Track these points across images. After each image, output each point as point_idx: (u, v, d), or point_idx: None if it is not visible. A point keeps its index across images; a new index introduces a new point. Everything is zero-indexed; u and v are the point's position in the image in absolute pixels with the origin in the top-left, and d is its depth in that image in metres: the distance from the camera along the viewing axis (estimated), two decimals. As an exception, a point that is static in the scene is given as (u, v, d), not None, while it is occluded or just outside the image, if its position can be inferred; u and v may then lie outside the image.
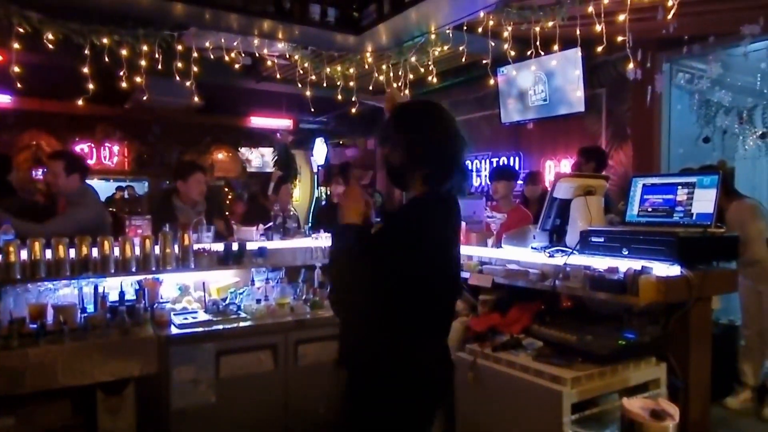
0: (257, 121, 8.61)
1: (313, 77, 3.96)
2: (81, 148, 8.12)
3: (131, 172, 8.53)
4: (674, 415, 1.88)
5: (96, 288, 3.00)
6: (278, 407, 3.12)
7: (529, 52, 3.60)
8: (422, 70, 3.91)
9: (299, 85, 3.92)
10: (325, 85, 4.16)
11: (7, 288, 2.83)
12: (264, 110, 8.30)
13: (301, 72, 3.94)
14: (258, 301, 3.32)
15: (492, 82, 4.50)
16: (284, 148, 7.01)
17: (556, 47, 3.70)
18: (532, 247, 2.86)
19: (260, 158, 9.47)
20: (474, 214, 3.49)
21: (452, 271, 1.74)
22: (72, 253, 2.90)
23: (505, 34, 3.53)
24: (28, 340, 2.62)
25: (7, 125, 7.60)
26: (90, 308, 2.97)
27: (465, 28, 3.69)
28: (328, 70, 3.99)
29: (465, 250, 3.23)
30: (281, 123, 8.46)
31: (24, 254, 2.79)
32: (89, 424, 2.73)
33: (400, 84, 3.92)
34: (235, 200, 8.18)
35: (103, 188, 7.34)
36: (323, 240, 3.67)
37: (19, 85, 3.29)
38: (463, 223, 3.32)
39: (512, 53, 3.71)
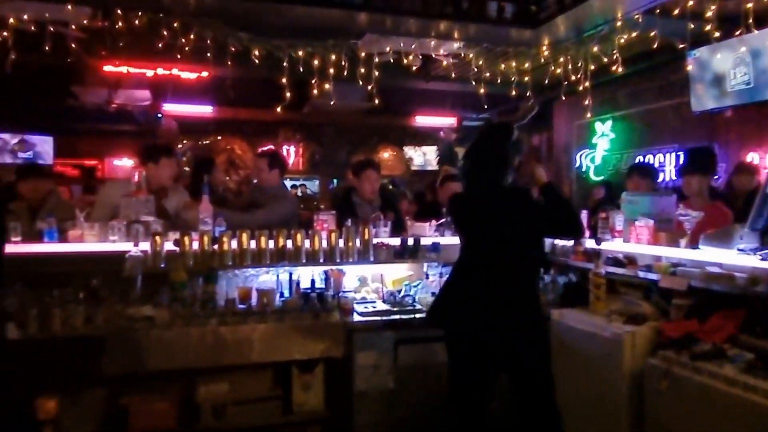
0: (422, 120, 8.82)
1: (487, 74, 3.96)
2: (263, 150, 9.04)
3: (304, 172, 9.33)
4: None
5: (290, 275, 3.34)
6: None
7: (738, 32, 3.20)
8: (605, 59, 3.69)
9: (473, 82, 3.95)
10: (498, 81, 4.14)
11: (220, 273, 3.28)
12: (429, 109, 8.48)
13: (475, 69, 3.96)
14: (432, 294, 3.42)
15: (682, 67, 4.08)
16: (448, 146, 7.12)
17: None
18: (738, 249, 2.55)
19: (422, 156, 9.71)
20: (663, 212, 3.21)
21: None
22: (271, 244, 3.26)
23: (709, 13, 3.17)
24: (238, 317, 3.01)
25: (207, 132, 8.76)
26: (286, 293, 3.31)
27: (658, 11, 3.39)
28: (502, 66, 3.96)
29: (653, 250, 3.00)
30: (445, 121, 8.56)
31: (234, 244, 3.21)
32: (286, 397, 3.05)
33: (579, 76, 3.75)
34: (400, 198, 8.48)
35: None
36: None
37: (226, 96, 3.75)
38: (651, 222, 3.09)
39: (716, 34, 3.32)
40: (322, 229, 3.46)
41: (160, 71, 6.15)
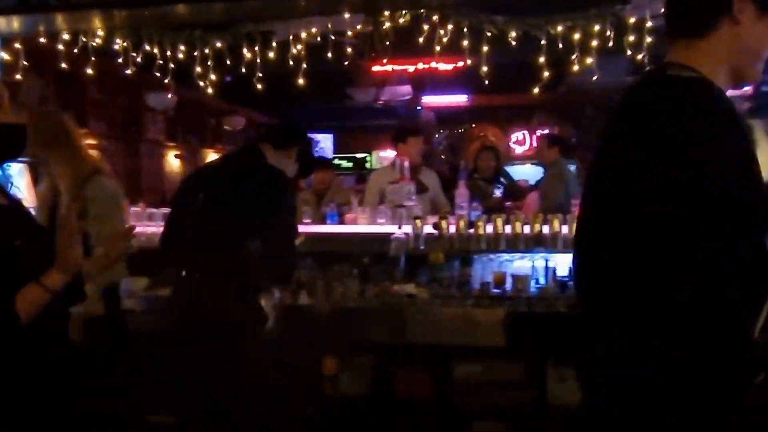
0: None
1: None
2: (516, 136, 8.93)
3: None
4: None
5: (546, 262, 3.22)
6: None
7: None
8: None
9: None
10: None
11: (476, 257, 3.35)
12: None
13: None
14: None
15: None
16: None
17: None
18: None
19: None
20: None
21: None
22: (527, 229, 3.19)
23: None
24: (493, 301, 3.03)
25: (461, 121, 9.04)
26: (541, 280, 3.21)
27: None
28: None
29: None
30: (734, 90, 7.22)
31: (489, 228, 3.23)
32: (540, 386, 2.97)
33: None
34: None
35: (531, 172, 7.87)
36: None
37: (481, 84, 3.77)
38: None
39: None
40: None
41: (421, 66, 6.55)
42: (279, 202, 2.29)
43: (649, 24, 2.98)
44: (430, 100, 8.35)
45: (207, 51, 3.81)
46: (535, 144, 8.80)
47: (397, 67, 6.67)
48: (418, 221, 3.30)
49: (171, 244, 2.39)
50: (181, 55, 3.85)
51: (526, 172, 8.04)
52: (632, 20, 3.01)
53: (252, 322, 2.23)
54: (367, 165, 10.49)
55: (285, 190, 2.35)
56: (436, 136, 8.86)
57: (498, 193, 4.51)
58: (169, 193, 6.60)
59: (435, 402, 3.06)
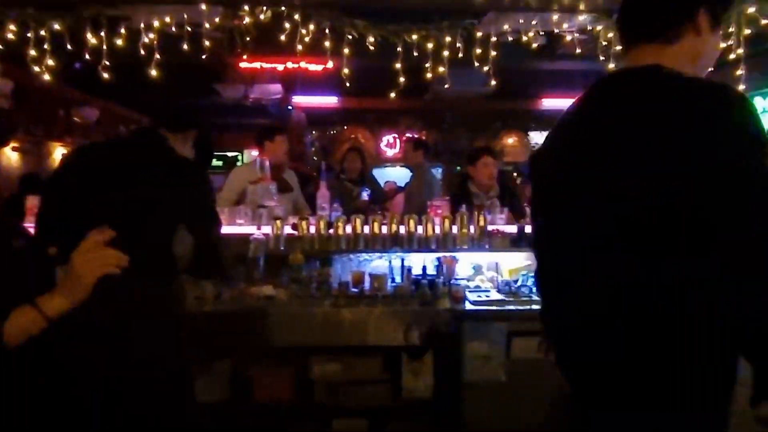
0: (549, 103, 8.39)
1: (617, 47, 3.62)
2: (387, 139, 9.20)
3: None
4: None
5: (402, 261, 3.35)
6: (565, 397, 2.99)
7: None
8: (764, 21, 3.19)
9: (602, 58, 3.64)
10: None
11: (335, 257, 3.38)
12: (556, 91, 8.02)
13: (604, 44, 3.65)
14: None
15: None
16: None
17: None
18: None
19: (549, 142, 9.23)
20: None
21: None
22: (384, 229, 3.29)
23: None
24: (351, 300, 3.08)
25: (333, 122, 9.10)
26: (398, 279, 3.33)
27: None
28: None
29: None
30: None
31: (348, 229, 3.29)
32: (395, 382, 3.07)
33: (730, 42, 3.28)
34: (524, 184, 8.17)
35: (400, 175, 8.15)
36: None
37: (348, 86, 3.82)
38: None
39: None
40: (436, 216, 3.42)
41: (290, 65, 6.49)
42: (201, 190, 2.13)
43: (494, 39, 3.21)
44: (300, 100, 8.32)
45: (43, 33, 3.45)
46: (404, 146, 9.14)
47: (265, 65, 6.56)
48: (278, 222, 3.27)
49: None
50: (11, 36, 3.45)
51: (396, 175, 8.30)
52: (479, 35, 3.24)
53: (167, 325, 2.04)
54: (238, 164, 10.19)
55: (203, 176, 2.18)
56: (308, 137, 8.84)
57: (365, 195, 4.61)
58: (6, 191, 5.87)
59: (295, 403, 3.05)
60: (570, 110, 1.48)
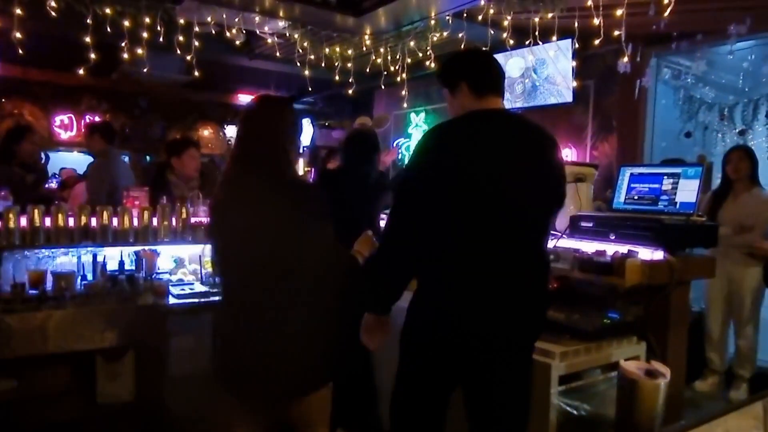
0: (244, 99, 8.57)
1: (312, 57, 4.00)
2: (61, 119, 8.01)
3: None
4: (666, 374, 2.04)
5: (95, 257, 3.04)
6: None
7: (527, 42, 3.69)
8: (420, 54, 3.97)
9: (298, 64, 3.96)
10: (322, 65, 4.19)
11: (5, 254, 2.85)
12: (252, 88, 8.25)
13: (300, 51, 3.98)
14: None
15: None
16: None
17: (554, 38, 3.79)
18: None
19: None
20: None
21: None
22: (71, 222, 2.93)
23: (505, 23, 3.61)
24: (30, 305, 2.66)
25: (-13, 91, 7.45)
26: (90, 276, 3.01)
27: (465, 15, 3.75)
28: (326, 50, 4.03)
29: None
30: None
31: (23, 221, 2.81)
32: (88, 389, 2.79)
33: (397, 67, 3.99)
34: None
35: (81, 161, 7.21)
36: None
37: (13, 52, 3.26)
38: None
39: (511, 42, 3.80)
40: (133, 207, 3.20)
41: None
42: None
43: (196, 29, 3.19)
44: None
45: None
46: (83, 130, 8.05)
47: None
48: None
49: None
50: None
51: (75, 161, 7.28)
52: (182, 21, 3.16)
53: None
54: None
55: None
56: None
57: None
58: None
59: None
60: (470, 134, 1.87)
